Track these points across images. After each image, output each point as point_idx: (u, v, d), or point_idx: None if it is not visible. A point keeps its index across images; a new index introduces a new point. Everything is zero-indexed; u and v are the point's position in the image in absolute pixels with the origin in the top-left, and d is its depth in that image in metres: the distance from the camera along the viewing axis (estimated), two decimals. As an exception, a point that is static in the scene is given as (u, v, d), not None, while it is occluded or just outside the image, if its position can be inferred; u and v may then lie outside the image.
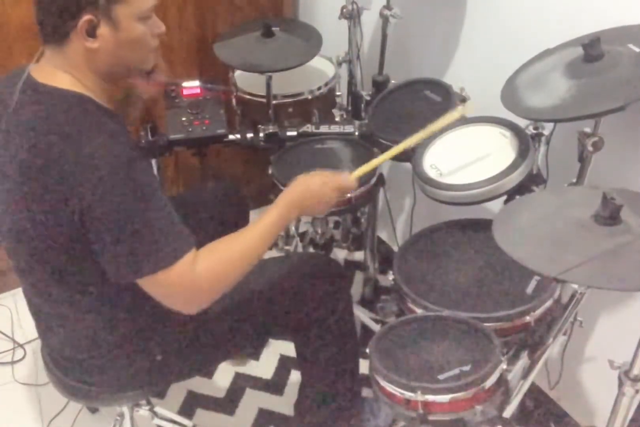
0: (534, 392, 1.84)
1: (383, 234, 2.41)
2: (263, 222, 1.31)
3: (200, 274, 1.21)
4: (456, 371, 1.28)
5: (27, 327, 2.08)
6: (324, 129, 1.89)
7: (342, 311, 1.57)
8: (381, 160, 1.52)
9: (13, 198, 1.21)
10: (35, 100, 1.19)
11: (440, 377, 1.27)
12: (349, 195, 1.63)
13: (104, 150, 1.13)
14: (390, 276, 1.52)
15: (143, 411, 1.65)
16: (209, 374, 2.03)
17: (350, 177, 1.46)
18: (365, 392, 1.79)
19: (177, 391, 1.98)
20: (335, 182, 1.41)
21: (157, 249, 1.17)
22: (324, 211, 1.43)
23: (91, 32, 1.17)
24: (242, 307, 1.47)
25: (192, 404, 1.97)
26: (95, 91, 1.23)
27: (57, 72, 1.21)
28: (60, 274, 1.27)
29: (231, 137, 1.88)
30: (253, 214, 2.57)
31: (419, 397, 1.24)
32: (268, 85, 1.93)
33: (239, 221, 1.77)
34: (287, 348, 2.07)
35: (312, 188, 1.38)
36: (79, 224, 1.15)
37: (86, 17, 1.15)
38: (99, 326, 1.35)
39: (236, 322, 1.47)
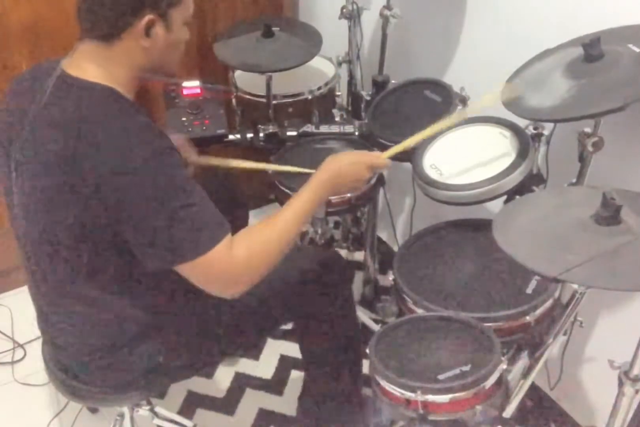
0: (534, 392, 1.84)
1: (383, 234, 2.41)
2: (297, 203, 1.33)
3: (238, 258, 1.22)
4: (456, 371, 1.28)
5: (27, 327, 2.07)
6: (324, 129, 1.89)
7: (343, 303, 1.58)
8: (413, 141, 1.53)
9: (39, 196, 1.21)
10: (67, 95, 1.20)
11: (440, 377, 1.27)
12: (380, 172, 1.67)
13: (137, 139, 1.15)
14: (390, 276, 1.52)
15: (143, 411, 1.64)
16: (209, 374, 2.03)
17: (382, 155, 1.49)
18: (366, 391, 1.79)
19: (177, 391, 1.98)
20: (366, 161, 1.44)
21: (194, 236, 1.18)
22: (358, 188, 1.51)
23: (148, 32, 1.19)
24: (243, 304, 1.47)
25: (192, 404, 1.97)
26: (125, 86, 1.24)
27: (90, 66, 1.21)
28: (81, 274, 1.27)
29: (231, 137, 1.88)
30: (253, 214, 2.58)
31: (419, 397, 1.24)
32: (268, 85, 1.93)
33: (238, 221, 1.77)
34: (287, 348, 2.07)
35: (343, 168, 1.40)
36: (112, 215, 1.16)
37: (148, 17, 1.17)
38: (109, 325, 1.35)
39: (237, 318, 1.47)
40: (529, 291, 1.43)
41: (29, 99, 1.23)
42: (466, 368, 1.28)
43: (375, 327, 2.00)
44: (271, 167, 1.74)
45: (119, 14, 1.16)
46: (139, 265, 1.23)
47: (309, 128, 1.89)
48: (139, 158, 1.13)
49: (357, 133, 1.88)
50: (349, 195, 1.70)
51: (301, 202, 1.33)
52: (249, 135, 1.89)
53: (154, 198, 1.14)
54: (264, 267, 1.27)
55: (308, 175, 1.42)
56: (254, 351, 2.10)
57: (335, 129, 1.89)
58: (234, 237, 1.24)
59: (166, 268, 1.20)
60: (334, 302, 1.56)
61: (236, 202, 1.85)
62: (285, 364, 2.06)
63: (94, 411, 1.93)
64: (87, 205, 1.16)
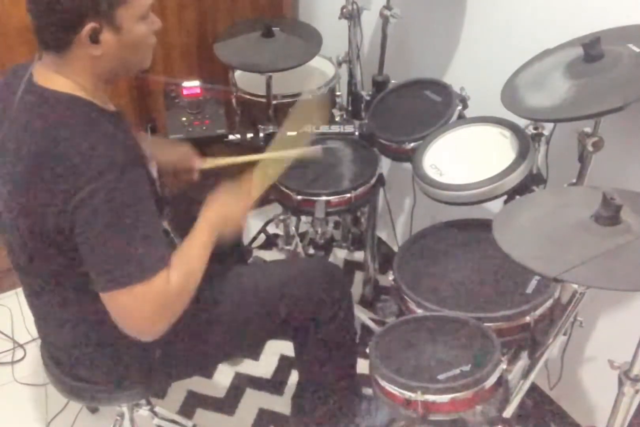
0: (534, 392, 1.84)
1: (383, 234, 2.40)
2: (199, 241, 1.32)
3: (174, 286, 1.20)
4: (456, 371, 1.28)
5: (27, 327, 2.07)
6: (324, 129, 1.90)
7: (343, 315, 1.57)
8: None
9: (13, 200, 1.21)
10: (35, 103, 1.19)
11: (440, 377, 1.27)
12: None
13: (102, 147, 1.13)
14: (390, 276, 1.52)
15: (143, 411, 1.65)
16: (209, 374, 2.03)
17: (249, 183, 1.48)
18: (365, 391, 1.79)
19: (177, 391, 1.98)
20: (240, 196, 1.44)
21: (138, 260, 1.15)
22: (237, 227, 1.44)
23: (94, 39, 1.16)
24: (242, 309, 1.47)
25: (192, 404, 1.97)
26: (95, 94, 1.23)
27: (57, 77, 1.21)
28: (59, 272, 1.27)
29: (231, 137, 1.89)
30: (254, 214, 2.58)
31: (419, 397, 1.24)
32: (268, 85, 1.93)
33: None
34: (287, 348, 2.06)
35: (228, 207, 1.40)
36: (70, 222, 1.14)
37: (89, 25, 1.14)
38: (97, 322, 1.34)
39: (236, 323, 1.47)
40: (529, 291, 1.43)
41: (2, 104, 1.24)
42: (466, 368, 1.28)
43: (375, 327, 2.00)
44: (273, 155, 1.67)
45: (61, 27, 1.14)
46: None
47: (309, 128, 1.89)
48: (99, 166, 1.12)
49: (357, 133, 1.88)
50: (347, 195, 1.70)
51: (203, 240, 1.32)
52: (249, 135, 1.89)
53: (106, 208, 1.13)
54: (187, 300, 1.25)
55: None
56: (253, 352, 2.10)
57: (335, 129, 1.90)
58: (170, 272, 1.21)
59: (105, 291, 1.18)
60: (335, 316, 1.55)
61: None
62: (285, 364, 2.06)
63: (94, 410, 1.93)
64: (52, 212, 1.15)
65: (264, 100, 1.98)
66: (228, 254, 1.67)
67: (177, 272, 1.21)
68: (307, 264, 1.73)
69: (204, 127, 1.87)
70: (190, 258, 1.28)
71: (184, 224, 1.38)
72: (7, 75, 1.31)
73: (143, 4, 1.20)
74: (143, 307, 1.18)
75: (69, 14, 1.12)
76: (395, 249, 2.13)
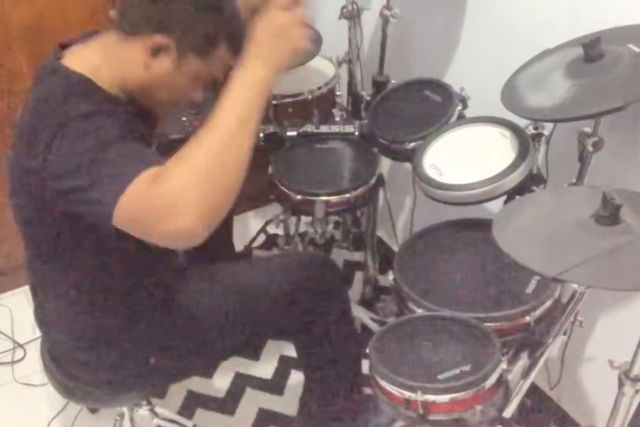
0: (534, 392, 1.84)
1: (383, 234, 2.41)
2: (229, 95, 1.09)
3: (163, 189, 1.02)
4: (456, 371, 1.28)
5: (27, 327, 2.08)
6: (324, 129, 1.90)
7: (340, 311, 1.57)
8: None
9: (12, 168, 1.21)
10: (43, 81, 1.19)
11: (440, 377, 1.27)
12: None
13: (76, 110, 1.10)
14: (390, 276, 1.52)
15: (143, 411, 1.65)
16: (209, 374, 2.03)
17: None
18: (366, 391, 1.79)
19: (177, 391, 1.98)
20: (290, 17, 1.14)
21: (111, 179, 1.05)
22: (293, 49, 1.14)
23: (155, 52, 1.16)
24: (237, 308, 1.47)
25: (192, 404, 1.97)
26: (109, 84, 1.20)
27: (89, 52, 1.20)
28: (56, 265, 1.27)
29: (231, 137, 1.88)
30: (253, 214, 2.58)
31: (419, 397, 1.24)
32: (268, 85, 1.92)
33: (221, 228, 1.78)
34: (287, 348, 2.07)
35: (277, 27, 1.13)
36: (55, 188, 1.10)
37: (163, 39, 1.15)
38: (93, 321, 1.35)
39: (232, 323, 1.47)
40: (529, 291, 1.43)
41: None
42: (466, 368, 1.28)
43: (375, 327, 2.00)
44: None
45: (144, 18, 1.15)
46: (112, 264, 1.24)
47: (309, 128, 1.89)
48: (65, 116, 1.10)
49: (357, 133, 1.88)
50: (347, 195, 1.70)
51: (236, 88, 1.10)
52: (249, 135, 1.88)
53: (75, 151, 1.07)
54: (200, 197, 1.03)
55: None
56: (253, 352, 2.10)
57: (335, 129, 1.90)
58: (162, 167, 1.05)
59: (110, 225, 1.06)
60: (331, 310, 1.55)
61: None
62: (285, 364, 2.06)
63: (93, 411, 1.94)
64: (37, 184, 1.13)
65: (264, 100, 1.98)
66: (220, 252, 1.67)
67: (174, 163, 1.05)
68: (299, 258, 1.72)
69: (204, 127, 1.86)
70: (213, 135, 1.07)
71: None
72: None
73: (214, 71, 1.21)
74: (143, 214, 1.04)
75: (162, 18, 1.14)
76: (395, 249, 2.13)
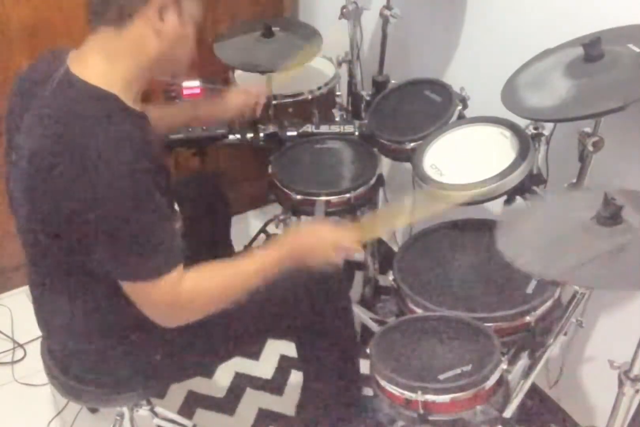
0: (534, 392, 1.84)
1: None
2: (262, 259, 1.31)
3: (183, 293, 1.22)
4: (456, 371, 1.28)
5: (27, 327, 2.07)
6: (324, 129, 1.90)
7: (340, 310, 1.57)
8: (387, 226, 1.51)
9: (22, 186, 1.22)
10: (66, 95, 1.18)
11: (441, 377, 1.27)
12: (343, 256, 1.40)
13: (111, 152, 1.12)
14: (390, 276, 1.52)
15: (143, 411, 1.65)
16: (209, 374, 2.03)
17: (353, 238, 1.39)
18: (366, 391, 1.79)
19: (177, 391, 1.98)
20: (339, 242, 1.36)
21: (145, 258, 1.18)
22: (314, 265, 1.36)
23: (161, 15, 1.17)
24: (240, 309, 1.47)
25: (192, 404, 1.97)
26: (126, 89, 1.21)
27: (96, 60, 1.19)
28: (61, 268, 1.28)
29: (231, 137, 1.88)
30: (253, 214, 2.58)
31: (419, 397, 1.24)
32: (268, 86, 1.93)
33: (216, 226, 1.83)
34: (287, 348, 2.07)
35: (319, 242, 1.35)
36: (75, 224, 1.15)
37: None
38: (101, 322, 1.35)
39: (235, 324, 1.46)
40: (529, 291, 1.43)
41: (35, 89, 1.22)
42: (466, 368, 1.28)
43: (375, 327, 2.00)
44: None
45: None
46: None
47: (309, 128, 1.89)
48: (107, 172, 1.11)
49: (357, 133, 1.88)
50: (347, 195, 1.70)
51: (264, 261, 1.31)
52: (249, 135, 1.89)
53: (114, 215, 1.13)
54: (205, 310, 1.27)
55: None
56: (253, 351, 2.10)
57: (335, 129, 1.90)
58: (189, 271, 1.23)
59: (113, 277, 1.21)
60: (332, 313, 1.55)
61: (218, 206, 1.83)
62: (285, 364, 2.06)
63: (94, 411, 1.93)
64: (56, 208, 1.15)
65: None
66: (218, 253, 1.67)
67: (195, 281, 1.23)
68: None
69: (204, 127, 1.87)
70: (225, 272, 1.29)
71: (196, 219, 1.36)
72: (45, 55, 1.29)
73: (199, 8, 1.24)
74: (150, 302, 1.23)
75: None
76: (395, 249, 2.12)
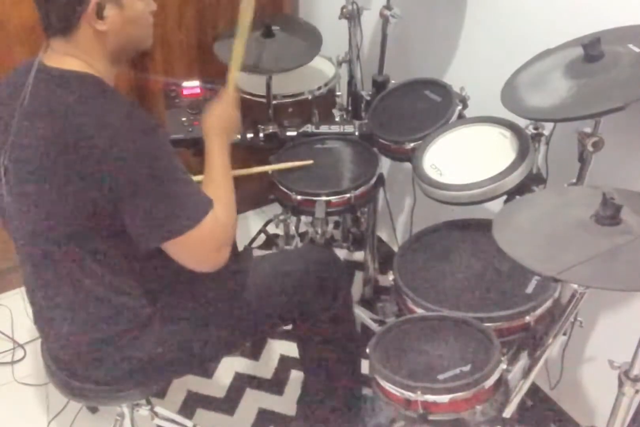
0: (534, 392, 1.84)
1: (383, 234, 2.41)
2: (214, 160, 1.41)
3: (222, 222, 1.29)
4: (456, 371, 1.28)
5: (27, 327, 2.08)
6: (324, 129, 1.90)
7: (342, 304, 1.57)
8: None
9: (32, 190, 1.23)
10: (49, 85, 1.22)
11: (440, 377, 1.27)
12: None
13: (129, 121, 1.19)
14: (390, 276, 1.52)
15: (143, 411, 1.64)
16: (209, 374, 2.03)
17: (227, 90, 1.56)
18: (366, 391, 1.79)
19: (177, 391, 1.98)
20: (224, 105, 1.52)
21: (187, 208, 1.23)
22: (239, 128, 1.56)
23: (100, 14, 1.20)
24: (242, 301, 1.47)
25: (192, 404, 1.97)
26: (105, 75, 1.27)
27: (67, 58, 1.24)
28: (75, 267, 1.29)
29: (231, 137, 1.88)
30: (253, 214, 2.58)
31: (419, 397, 1.24)
32: (268, 85, 1.93)
33: None
34: (287, 348, 2.07)
35: (222, 115, 1.50)
36: (109, 196, 1.18)
37: (94, 1, 1.18)
38: (105, 316, 1.35)
39: (236, 312, 1.47)
40: (529, 291, 1.43)
41: (11, 105, 1.25)
42: (466, 368, 1.28)
43: (376, 327, 2.00)
44: (271, 167, 1.77)
45: (67, 5, 1.18)
46: (134, 256, 1.27)
47: (309, 128, 1.90)
48: (131, 136, 1.17)
49: (357, 133, 1.88)
50: (348, 195, 1.70)
51: (217, 157, 1.41)
52: (249, 135, 1.89)
53: (148, 174, 1.18)
54: (234, 223, 1.36)
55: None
56: (253, 351, 2.11)
57: (335, 129, 1.90)
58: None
59: (161, 244, 1.25)
60: (332, 304, 1.56)
61: None
62: (285, 364, 2.06)
63: (93, 410, 1.94)
64: (84, 193, 1.18)
65: (264, 100, 1.98)
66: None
67: (219, 206, 1.29)
68: (301, 252, 1.75)
69: (204, 127, 1.86)
70: (221, 185, 1.37)
71: None
72: (17, 68, 1.32)
73: None
74: (202, 248, 1.28)
75: None
76: (395, 249, 2.13)
